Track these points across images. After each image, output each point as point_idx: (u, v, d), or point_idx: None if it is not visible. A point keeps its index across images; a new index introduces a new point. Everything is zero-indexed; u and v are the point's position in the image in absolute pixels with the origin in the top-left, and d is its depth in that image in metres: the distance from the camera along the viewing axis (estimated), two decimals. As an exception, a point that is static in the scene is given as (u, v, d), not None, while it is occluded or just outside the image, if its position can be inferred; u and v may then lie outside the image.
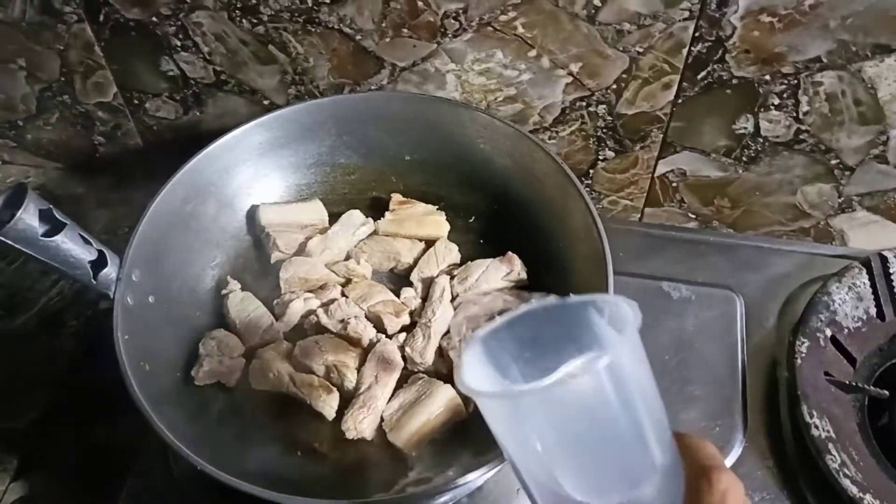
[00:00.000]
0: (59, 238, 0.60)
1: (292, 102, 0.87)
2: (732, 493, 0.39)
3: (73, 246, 0.61)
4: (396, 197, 0.79)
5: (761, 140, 0.81)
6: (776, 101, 0.77)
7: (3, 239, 0.57)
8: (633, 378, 0.36)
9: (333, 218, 0.79)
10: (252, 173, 0.78)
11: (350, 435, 0.66)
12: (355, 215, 0.79)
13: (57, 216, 0.60)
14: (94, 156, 1.00)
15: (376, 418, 0.67)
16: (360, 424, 0.66)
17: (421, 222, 0.78)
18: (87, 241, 0.62)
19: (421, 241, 0.78)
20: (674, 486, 0.39)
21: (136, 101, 0.91)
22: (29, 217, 0.58)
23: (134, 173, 1.01)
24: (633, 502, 0.37)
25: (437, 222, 0.79)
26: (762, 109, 0.78)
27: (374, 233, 0.79)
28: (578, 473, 0.37)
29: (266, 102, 0.88)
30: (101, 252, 0.63)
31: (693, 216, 0.92)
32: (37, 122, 0.96)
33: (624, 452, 0.38)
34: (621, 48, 0.75)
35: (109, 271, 0.63)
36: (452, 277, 0.75)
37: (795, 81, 0.75)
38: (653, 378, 0.38)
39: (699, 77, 0.76)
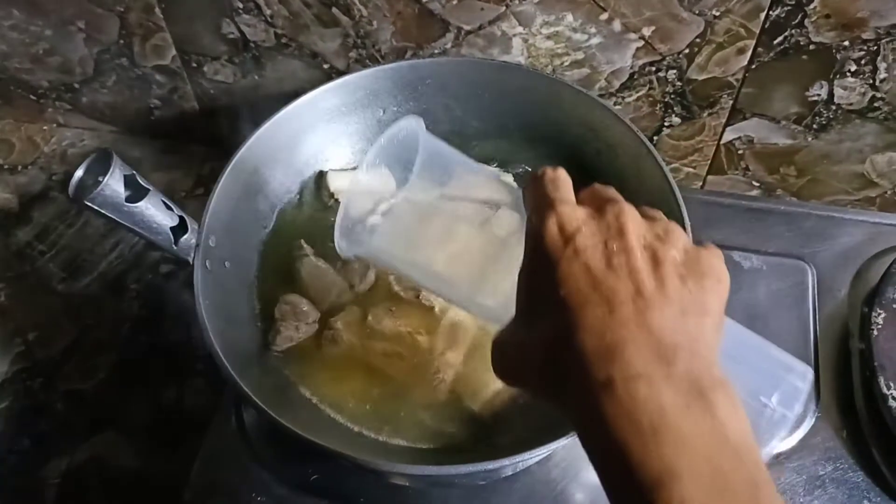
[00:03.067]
0: (142, 204, 0.60)
1: (353, 66, 0.86)
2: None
3: (157, 212, 0.61)
4: (463, 162, 0.78)
5: (834, 107, 0.79)
6: (853, 68, 0.75)
7: (89, 204, 0.58)
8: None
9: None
10: (320, 140, 0.77)
11: (425, 400, 0.67)
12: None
13: (140, 182, 0.60)
14: (149, 119, 0.99)
15: (450, 383, 0.67)
16: (435, 389, 0.66)
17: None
18: (168, 207, 0.62)
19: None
20: None
21: (194, 65, 0.91)
22: (115, 182, 0.58)
23: (189, 137, 1.00)
24: None
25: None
26: (838, 76, 0.76)
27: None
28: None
29: (325, 66, 0.87)
30: (181, 218, 0.63)
31: (757, 184, 0.90)
32: (93, 85, 0.96)
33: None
34: (697, 11, 0.73)
35: (189, 237, 0.63)
36: (521, 244, 0.74)
37: (875, 48, 0.73)
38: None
39: (775, 42, 0.74)
